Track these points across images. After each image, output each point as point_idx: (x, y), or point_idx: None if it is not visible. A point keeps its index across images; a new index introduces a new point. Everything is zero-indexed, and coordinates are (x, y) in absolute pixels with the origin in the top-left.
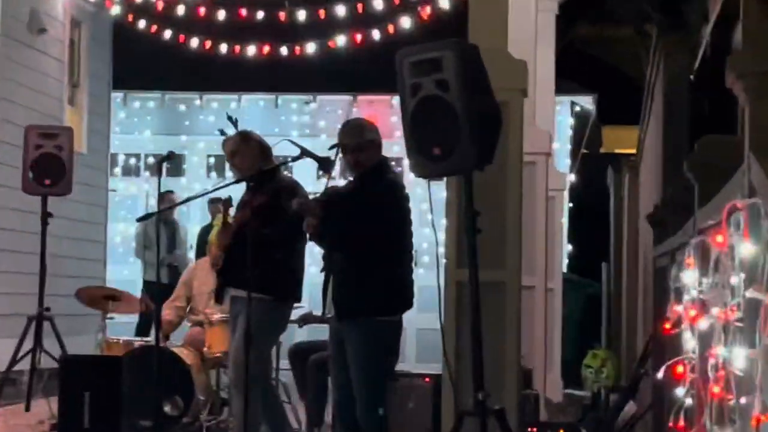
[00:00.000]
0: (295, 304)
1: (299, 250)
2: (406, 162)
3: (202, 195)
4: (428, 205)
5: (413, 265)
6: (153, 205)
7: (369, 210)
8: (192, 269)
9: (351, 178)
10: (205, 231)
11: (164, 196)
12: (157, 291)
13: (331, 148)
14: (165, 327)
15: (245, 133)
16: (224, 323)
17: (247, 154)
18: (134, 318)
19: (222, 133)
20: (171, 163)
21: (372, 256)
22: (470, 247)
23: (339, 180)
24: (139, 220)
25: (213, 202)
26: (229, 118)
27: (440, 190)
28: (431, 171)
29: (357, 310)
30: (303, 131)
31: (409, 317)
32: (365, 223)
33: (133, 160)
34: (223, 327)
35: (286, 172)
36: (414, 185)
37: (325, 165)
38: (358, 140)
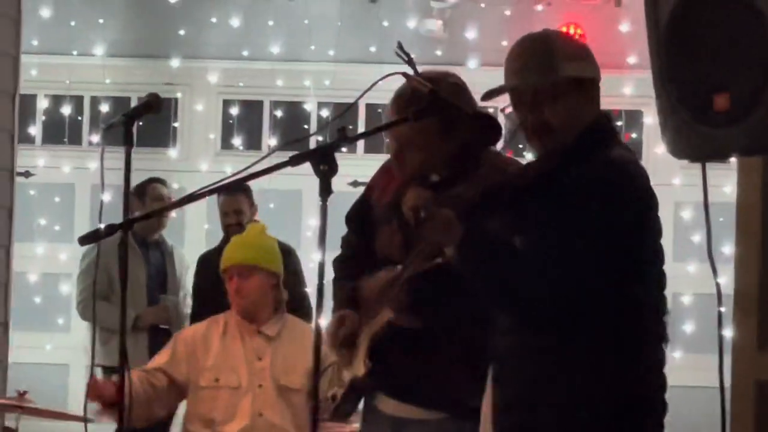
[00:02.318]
0: None
1: None
2: (650, 121)
3: (223, 184)
4: (694, 215)
5: (664, 345)
6: (113, 205)
7: (567, 228)
8: (199, 331)
9: (531, 158)
10: (211, 262)
11: (146, 189)
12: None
13: (489, 96)
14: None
15: (453, 112)
16: None
17: (441, 148)
18: None
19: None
20: (151, 118)
21: (583, 330)
22: None
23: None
24: (84, 240)
25: (236, 192)
26: (401, 49)
27: (721, 182)
28: (708, 145)
29: None
30: (429, 53)
31: None
32: (568, 258)
33: (67, 110)
34: None
35: None
36: (656, 170)
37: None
38: (544, 77)
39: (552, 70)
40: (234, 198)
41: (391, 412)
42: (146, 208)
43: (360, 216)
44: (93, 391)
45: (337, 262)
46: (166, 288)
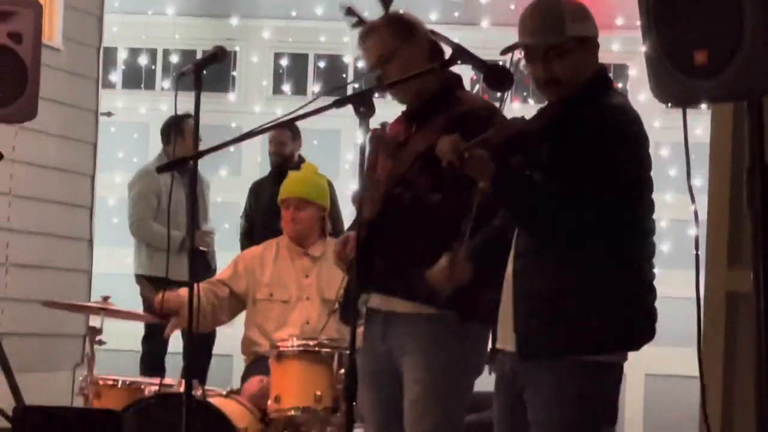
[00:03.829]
0: None
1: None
2: (634, 74)
3: (275, 123)
4: (671, 153)
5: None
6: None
7: (579, 162)
8: (256, 253)
9: (543, 105)
10: (263, 188)
11: (182, 124)
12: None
13: (506, 51)
14: (172, 301)
15: (405, 19)
16: (305, 357)
17: (413, 56)
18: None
19: (357, 20)
20: (213, 67)
21: (587, 245)
22: (756, 231)
23: (513, 105)
24: (162, 169)
25: (280, 127)
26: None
27: (696, 125)
28: (688, 93)
29: (557, 342)
30: (449, 15)
31: (630, 355)
32: (580, 188)
33: (143, 60)
34: (304, 363)
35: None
36: (647, 115)
37: (494, 79)
38: (553, 37)
39: (561, 31)
40: (278, 132)
41: (381, 307)
42: (185, 140)
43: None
44: (160, 303)
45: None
46: (198, 211)
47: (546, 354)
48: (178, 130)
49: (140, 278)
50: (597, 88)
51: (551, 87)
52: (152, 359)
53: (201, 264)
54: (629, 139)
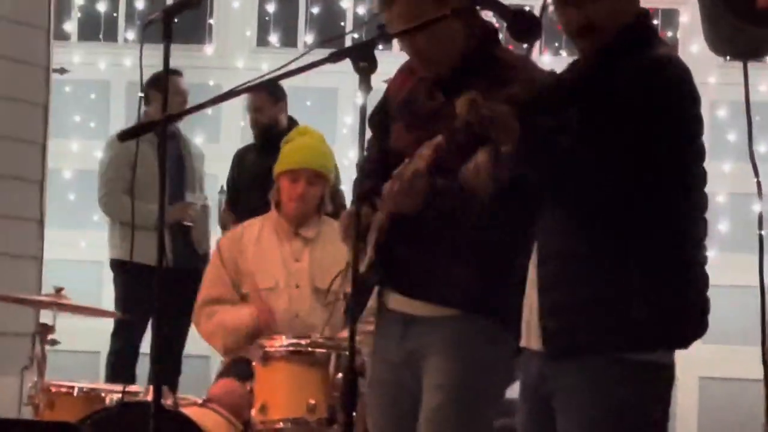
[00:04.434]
0: None
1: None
2: (685, 20)
3: (260, 81)
4: (729, 114)
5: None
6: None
7: (615, 123)
8: (235, 237)
9: (566, 57)
10: (247, 157)
11: (161, 80)
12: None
13: None
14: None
15: None
16: (295, 358)
17: (450, 29)
18: (101, 340)
19: None
20: (187, 14)
21: (623, 222)
22: None
23: (544, 58)
24: (124, 136)
25: (257, 90)
26: None
27: (759, 81)
28: (750, 43)
29: (589, 336)
30: None
31: (681, 355)
32: (608, 150)
33: (103, 6)
34: (295, 366)
35: None
36: (692, 69)
37: (520, 28)
38: None
39: None
40: (254, 96)
41: (401, 309)
42: (176, 101)
43: (380, 116)
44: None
45: (360, 164)
46: (185, 181)
47: (577, 351)
48: (158, 89)
49: (116, 264)
50: (638, 37)
51: (585, 35)
52: (121, 359)
53: (182, 242)
54: (675, 96)
